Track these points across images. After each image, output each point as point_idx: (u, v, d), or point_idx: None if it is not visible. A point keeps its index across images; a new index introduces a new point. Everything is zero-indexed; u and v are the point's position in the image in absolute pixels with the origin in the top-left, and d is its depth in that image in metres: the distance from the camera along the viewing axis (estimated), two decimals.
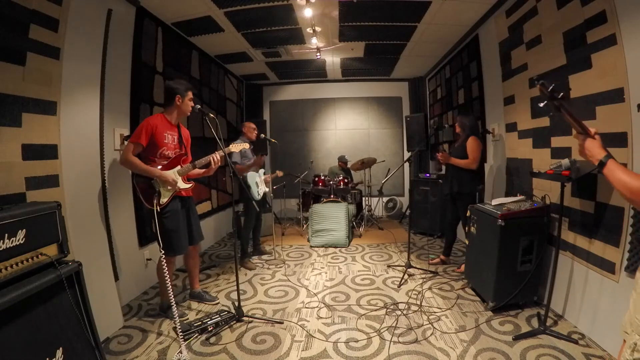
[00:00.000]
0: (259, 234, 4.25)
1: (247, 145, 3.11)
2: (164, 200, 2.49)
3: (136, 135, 2.44)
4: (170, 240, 2.54)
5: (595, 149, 1.31)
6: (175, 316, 2.25)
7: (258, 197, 3.85)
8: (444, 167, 3.64)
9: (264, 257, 4.19)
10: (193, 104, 2.62)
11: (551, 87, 1.28)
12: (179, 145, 2.66)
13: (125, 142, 2.85)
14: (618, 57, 1.99)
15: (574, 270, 2.43)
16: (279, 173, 4.60)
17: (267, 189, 4.09)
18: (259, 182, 3.93)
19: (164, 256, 2.39)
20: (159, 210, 2.44)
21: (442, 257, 3.80)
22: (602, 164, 1.25)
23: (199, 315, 2.71)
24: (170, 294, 2.31)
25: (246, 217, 3.90)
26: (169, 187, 2.51)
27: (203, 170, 2.75)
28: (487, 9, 3.52)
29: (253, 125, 3.96)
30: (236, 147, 2.95)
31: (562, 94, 1.27)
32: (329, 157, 6.80)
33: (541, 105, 1.32)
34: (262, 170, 4.09)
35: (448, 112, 5.39)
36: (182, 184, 2.59)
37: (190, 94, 2.61)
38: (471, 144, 3.37)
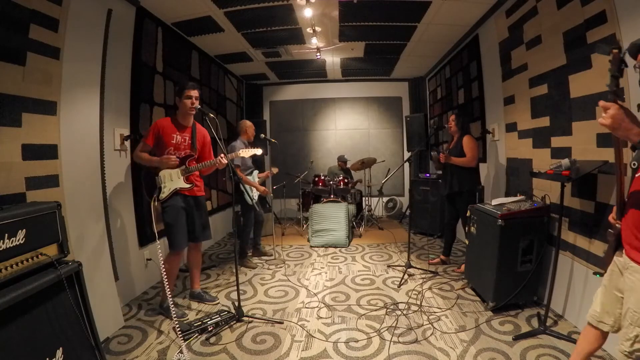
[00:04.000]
0: (259, 235, 4.22)
1: (259, 152, 3.04)
2: (162, 196, 2.58)
3: (145, 135, 2.64)
4: (168, 235, 2.63)
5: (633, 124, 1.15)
6: (173, 316, 2.26)
7: (251, 202, 3.76)
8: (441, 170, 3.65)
9: (264, 257, 4.19)
10: (192, 102, 2.65)
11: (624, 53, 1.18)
12: (190, 146, 2.72)
13: (125, 142, 2.94)
14: None
15: (574, 270, 2.43)
16: (274, 170, 4.39)
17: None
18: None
19: (159, 245, 2.45)
20: (156, 204, 2.57)
21: (442, 257, 3.80)
22: None
23: (199, 315, 2.71)
24: (168, 293, 2.33)
25: (245, 218, 3.89)
26: (169, 184, 2.58)
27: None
28: (487, 9, 3.52)
29: (251, 124, 3.91)
30: (246, 152, 2.92)
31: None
32: (329, 157, 6.79)
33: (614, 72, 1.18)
34: (255, 172, 4.04)
35: (448, 112, 5.39)
36: (181, 184, 2.64)
37: (186, 92, 2.63)
38: (468, 142, 3.39)
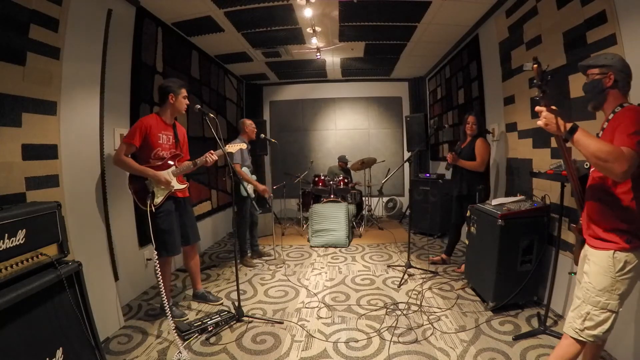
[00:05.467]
0: (256, 237, 4.17)
1: (244, 146, 3.08)
2: (157, 200, 2.47)
3: (129, 136, 2.43)
4: (164, 241, 2.53)
5: (560, 120, 1.35)
6: (169, 317, 2.26)
7: (245, 194, 3.59)
8: (450, 169, 3.61)
9: (264, 257, 4.18)
10: (188, 102, 2.62)
11: (545, 69, 1.38)
12: (174, 145, 2.65)
13: None
14: None
15: (574, 270, 2.42)
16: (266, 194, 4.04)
17: None
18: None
19: (156, 257, 2.37)
20: (153, 210, 2.43)
21: (443, 256, 3.79)
22: (574, 128, 1.31)
23: (199, 315, 2.71)
24: (163, 296, 2.31)
25: (239, 213, 3.85)
26: (163, 187, 2.50)
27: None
28: (487, 9, 3.52)
29: (251, 122, 3.89)
30: (233, 147, 2.94)
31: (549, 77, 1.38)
32: (329, 157, 6.80)
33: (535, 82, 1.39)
34: (252, 176, 4.02)
35: (448, 112, 5.39)
36: (176, 185, 2.58)
37: (183, 92, 2.59)
38: (481, 146, 3.34)
